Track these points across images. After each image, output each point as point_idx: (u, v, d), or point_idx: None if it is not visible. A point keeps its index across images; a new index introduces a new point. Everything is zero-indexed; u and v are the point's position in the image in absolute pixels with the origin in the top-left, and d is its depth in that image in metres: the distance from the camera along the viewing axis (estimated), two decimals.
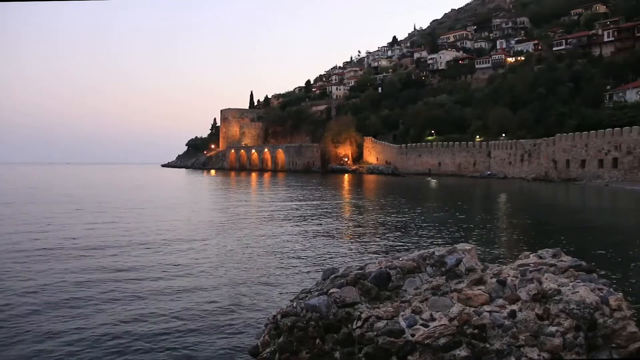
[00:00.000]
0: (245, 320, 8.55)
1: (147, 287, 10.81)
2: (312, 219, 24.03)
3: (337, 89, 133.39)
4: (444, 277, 4.86)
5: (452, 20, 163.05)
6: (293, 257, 14.40)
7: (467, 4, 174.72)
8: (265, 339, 5.06)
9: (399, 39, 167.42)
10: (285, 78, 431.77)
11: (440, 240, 17.28)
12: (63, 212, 26.26)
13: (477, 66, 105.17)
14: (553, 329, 4.18)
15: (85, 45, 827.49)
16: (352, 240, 17.71)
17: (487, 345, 4.19)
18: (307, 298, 5.06)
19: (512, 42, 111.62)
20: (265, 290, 10.62)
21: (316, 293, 5.05)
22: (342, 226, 22.17)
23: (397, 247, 15.68)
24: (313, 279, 10.38)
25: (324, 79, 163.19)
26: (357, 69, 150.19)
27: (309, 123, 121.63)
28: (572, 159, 61.78)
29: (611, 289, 4.49)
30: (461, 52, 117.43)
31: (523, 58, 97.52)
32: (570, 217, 26.03)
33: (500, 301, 4.44)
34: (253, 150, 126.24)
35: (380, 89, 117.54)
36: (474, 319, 4.29)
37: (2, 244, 16.21)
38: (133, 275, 11.87)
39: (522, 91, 79.82)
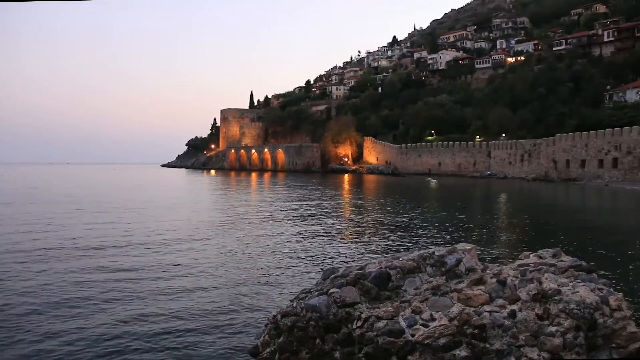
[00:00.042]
0: (245, 320, 8.55)
1: (147, 287, 10.81)
2: (312, 219, 24.03)
3: (337, 89, 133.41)
4: (444, 277, 4.86)
5: (452, 20, 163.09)
6: (293, 257, 14.40)
7: (467, 4, 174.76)
8: (265, 339, 5.05)
9: (399, 39, 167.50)
10: (285, 78, 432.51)
11: (440, 240, 17.28)
12: (63, 212, 26.26)
13: (477, 66, 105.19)
14: (553, 329, 4.17)
15: (85, 45, 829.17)
16: (352, 240, 17.71)
17: (487, 345, 4.19)
18: (307, 298, 5.05)
19: (512, 42, 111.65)
20: (265, 290, 10.62)
21: (316, 293, 5.05)
22: (342, 226, 22.16)
23: (397, 247, 15.68)
24: (313, 279, 10.38)
25: (324, 79, 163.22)
26: (357, 69, 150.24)
27: (309, 123, 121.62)
28: (572, 159, 61.78)
29: (611, 289, 4.48)
30: (461, 52, 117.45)
31: (523, 58, 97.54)
32: (570, 217, 26.02)
33: (500, 301, 4.44)
34: (253, 150, 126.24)
35: (380, 89, 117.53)
36: (474, 319, 4.28)
37: (2, 244, 16.21)
38: (133, 275, 11.87)
39: (522, 91, 79.82)
